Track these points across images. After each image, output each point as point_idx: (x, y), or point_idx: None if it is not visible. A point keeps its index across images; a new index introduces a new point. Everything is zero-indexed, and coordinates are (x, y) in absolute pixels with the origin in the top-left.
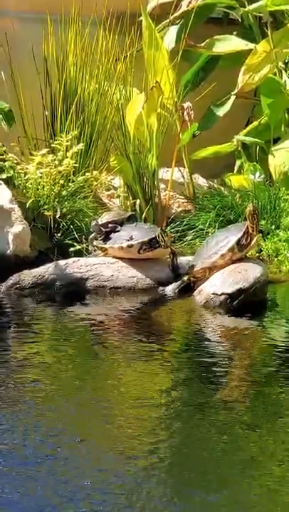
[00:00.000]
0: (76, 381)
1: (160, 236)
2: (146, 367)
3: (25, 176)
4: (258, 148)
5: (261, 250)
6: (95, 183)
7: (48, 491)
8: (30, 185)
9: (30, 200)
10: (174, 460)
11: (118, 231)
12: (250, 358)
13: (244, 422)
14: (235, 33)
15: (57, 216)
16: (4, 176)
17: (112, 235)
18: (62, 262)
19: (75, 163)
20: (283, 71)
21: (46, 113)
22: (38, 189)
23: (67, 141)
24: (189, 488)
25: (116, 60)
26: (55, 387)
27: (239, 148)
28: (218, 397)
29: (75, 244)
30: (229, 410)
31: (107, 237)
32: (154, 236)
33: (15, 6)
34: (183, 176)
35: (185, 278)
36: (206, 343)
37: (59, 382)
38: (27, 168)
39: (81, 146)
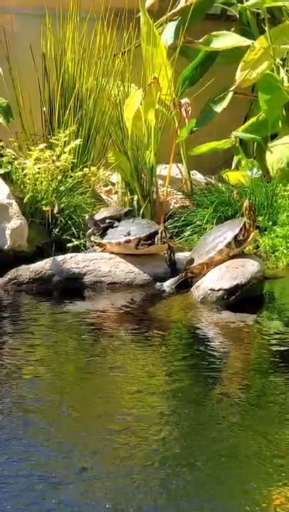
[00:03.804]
0: (72, 376)
1: (163, 232)
2: (144, 362)
3: (23, 171)
4: (255, 144)
5: (258, 246)
6: (93, 179)
7: None
8: (28, 181)
9: (28, 196)
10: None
11: (116, 226)
12: (247, 352)
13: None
14: (233, 29)
15: (55, 211)
16: (2, 171)
17: (110, 231)
18: (59, 258)
19: (72, 158)
20: (281, 67)
21: (44, 109)
22: (35, 184)
23: (65, 137)
24: None
25: (114, 55)
26: (53, 381)
27: (237, 145)
28: (215, 388)
29: (73, 239)
30: (225, 402)
31: (104, 233)
32: (151, 231)
33: (13, 1)
34: (181, 172)
35: (182, 273)
36: (203, 337)
37: (56, 377)
38: (25, 164)
39: (79, 141)
